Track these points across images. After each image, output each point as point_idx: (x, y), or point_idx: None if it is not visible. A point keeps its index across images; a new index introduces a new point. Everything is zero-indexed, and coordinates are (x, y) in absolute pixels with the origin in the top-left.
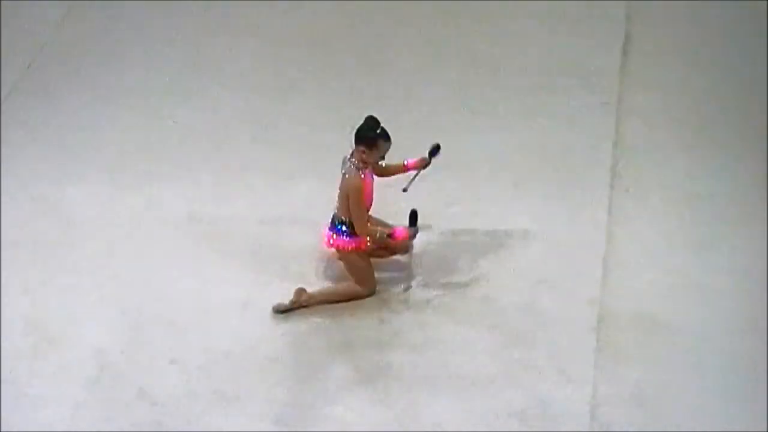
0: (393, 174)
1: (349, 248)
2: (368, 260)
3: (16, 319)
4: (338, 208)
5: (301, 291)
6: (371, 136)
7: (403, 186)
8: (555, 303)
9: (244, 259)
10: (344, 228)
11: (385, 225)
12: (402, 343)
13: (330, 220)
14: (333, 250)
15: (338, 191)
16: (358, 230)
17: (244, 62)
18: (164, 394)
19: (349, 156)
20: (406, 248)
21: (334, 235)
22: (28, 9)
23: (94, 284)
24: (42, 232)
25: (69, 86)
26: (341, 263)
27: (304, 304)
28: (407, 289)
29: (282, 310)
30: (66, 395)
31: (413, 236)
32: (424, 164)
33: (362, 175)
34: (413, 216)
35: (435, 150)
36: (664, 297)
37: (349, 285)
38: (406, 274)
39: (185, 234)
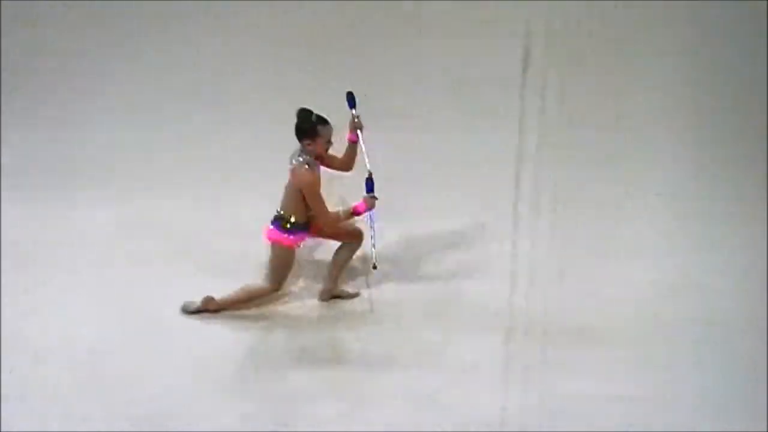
0: (344, 163)
1: (285, 243)
2: (292, 262)
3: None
4: (283, 204)
5: (209, 299)
6: (309, 126)
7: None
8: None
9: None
10: (288, 226)
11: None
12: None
13: (273, 218)
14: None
15: (285, 187)
16: (322, 219)
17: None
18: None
19: (298, 153)
20: (360, 236)
21: (274, 229)
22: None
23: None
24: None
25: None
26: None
27: (212, 309)
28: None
29: (190, 311)
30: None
31: (372, 204)
32: (356, 126)
33: (314, 169)
34: (370, 182)
35: (351, 100)
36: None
37: (251, 286)
38: (365, 282)
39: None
